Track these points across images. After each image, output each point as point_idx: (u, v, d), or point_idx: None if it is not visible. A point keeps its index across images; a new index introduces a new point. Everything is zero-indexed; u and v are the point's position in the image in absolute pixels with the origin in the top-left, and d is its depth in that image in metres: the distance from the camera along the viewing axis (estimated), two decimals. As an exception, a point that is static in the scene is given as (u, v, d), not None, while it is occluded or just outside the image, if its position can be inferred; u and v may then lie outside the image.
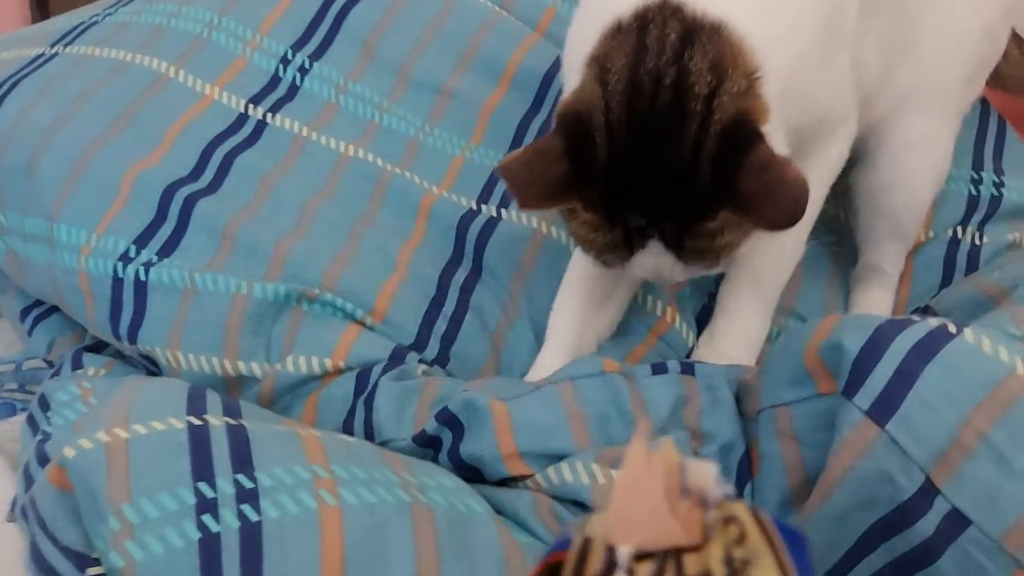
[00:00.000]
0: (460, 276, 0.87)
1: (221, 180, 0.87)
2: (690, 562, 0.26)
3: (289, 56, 0.98)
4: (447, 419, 0.69)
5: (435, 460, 0.70)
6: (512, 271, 0.88)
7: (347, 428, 0.74)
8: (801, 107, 0.71)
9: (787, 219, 0.62)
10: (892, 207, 0.91)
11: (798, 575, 0.26)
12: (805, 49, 0.70)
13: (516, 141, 0.99)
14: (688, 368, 0.73)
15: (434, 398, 0.72)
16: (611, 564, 0.26)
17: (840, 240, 0.97)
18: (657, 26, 0.65)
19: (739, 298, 0.84)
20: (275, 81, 0.97)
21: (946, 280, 0.97)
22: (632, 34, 0.66)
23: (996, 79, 1.10)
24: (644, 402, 0.69)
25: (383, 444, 0.71)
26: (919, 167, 0.90)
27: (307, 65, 0.98)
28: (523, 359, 0.84)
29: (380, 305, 0.81)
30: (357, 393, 0.75)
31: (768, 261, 0.82)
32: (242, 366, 0.76)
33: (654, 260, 0.68)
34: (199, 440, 0.58)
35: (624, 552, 0.26)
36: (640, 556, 0.26)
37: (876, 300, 0.94)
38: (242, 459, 0.58)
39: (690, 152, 0.63)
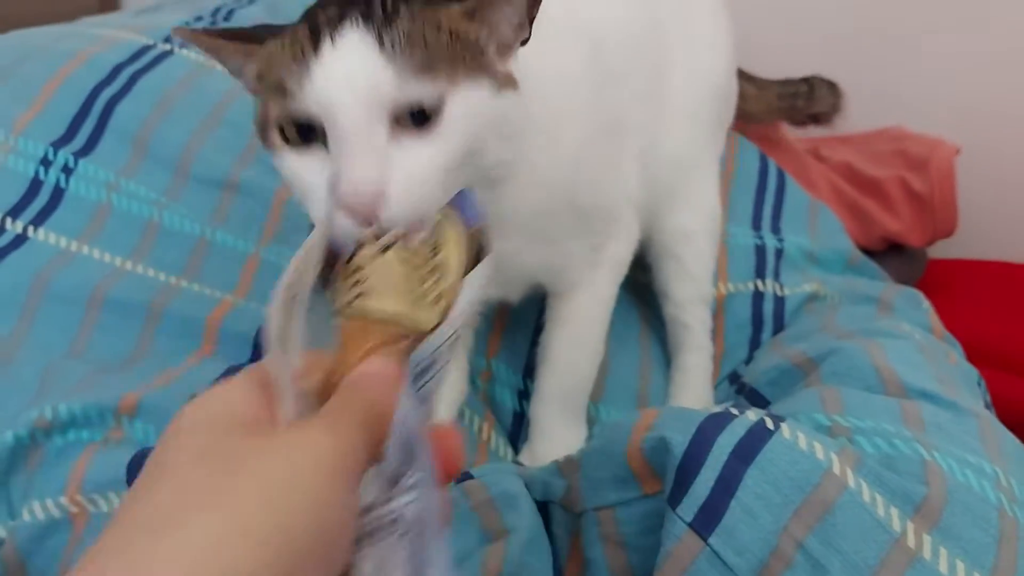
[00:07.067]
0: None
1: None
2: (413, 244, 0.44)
3: (50, 156, 0.90)
4: None
5: None
6: None
7: None
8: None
9: None
10: (681, 258, 0.94)
11: (464, 214, 0.44)
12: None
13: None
14: (465, 475, 0.68)
15: None
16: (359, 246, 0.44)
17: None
18: None
19: (551, 415, 0.83)
20: (36, 186, 0.88)
21: (756, 333, 0.99)
22: None
23: (743, 117, 1.17)
24: None
25: None
26: (699, 227, 0.95)
27: (72, 164, 0.90)
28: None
29: (128, 401, 0.72)
30: None
31: (572, 370, 0.83)
32: None
33: (345, 51, 0.52)
34: None
35: (362, 235, 0.45)
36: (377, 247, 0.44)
37: (692, 365, 0.95)
38: None
39: None
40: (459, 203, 0.44)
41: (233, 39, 0.57)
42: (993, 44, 1.28)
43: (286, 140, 0.55)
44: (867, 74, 1.24)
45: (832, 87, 1.22)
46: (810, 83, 1.22)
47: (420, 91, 0.52)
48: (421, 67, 0.52)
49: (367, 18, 0.52)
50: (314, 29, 0.53)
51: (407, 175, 0.52)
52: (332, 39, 0.52)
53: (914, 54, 1.33)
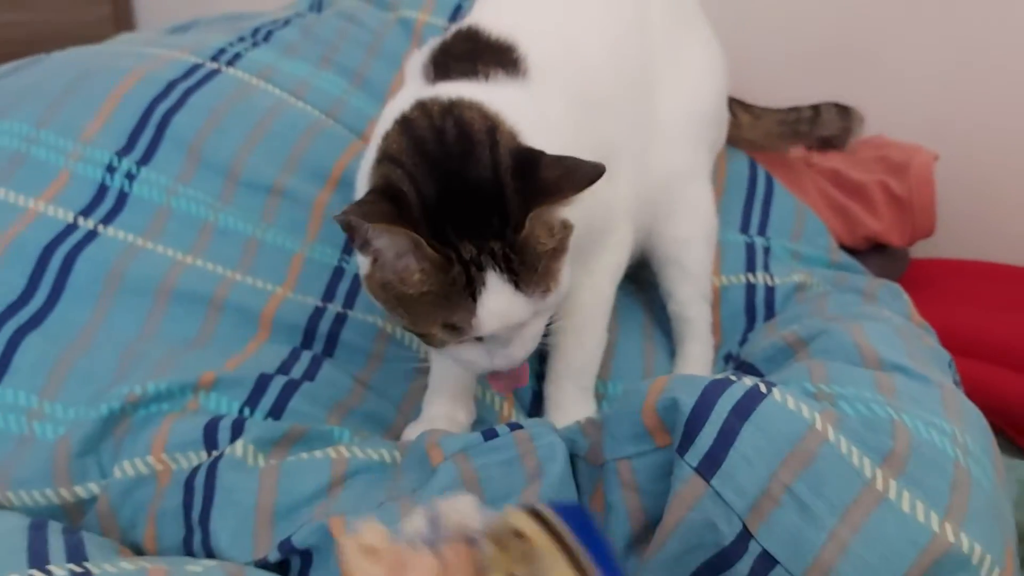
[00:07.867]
0: (311, 354, 0.93)
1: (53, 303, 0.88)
2: None
3: (115, 163, 0.99)
4: (290, 549, 0.70)
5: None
6: (365, 358, 0.95)
7: (188, 548, 0.75)
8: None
9: (592, 175, 0.70)
10: (682, 263, 1.05)
11: (590, 552, 0.26)
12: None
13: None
14: (516, 425, 0.79)
15: (271, 511, 0.73)
16: None
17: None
18: (433, 111, 0.76)
19: (563, 393, 0.93)
20: (103, 190, 0.97)
21: (751, 323, 1.09)
22: (412, 120, 0.76)
23: (742, 144, 1.26)
24: (478, 479, 0.74)
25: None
26: (696, 234, 1.06)
27: (134, 171, 0.99)
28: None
29: (206, 378, 0.84)
30: (187, 507, 0.75)
31: (579, 354, 0.93)
32: (79, 490, 0.78)
33: (498, 299, 0.71)
34: None
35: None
36: None
37: (694, 354, 1.05)
38: None
39: (490, 172, 0.71)
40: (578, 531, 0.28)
41: (385, 219, 0.69)
42: (971, 59, 1.37)
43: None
44: (851, 89, 1.30)
45: (844, 111, 1.26)
46: (817, 109, 1.26)
47: (545, 307, 0.75)
48: (543, 292, 0.73)
49: (501, 267, 0.70)
50: (466, 272, 0.70)
51: (532, 339, 0.77)
52: (485, 283, 0.70)
53: (896, 69, 1.42)
